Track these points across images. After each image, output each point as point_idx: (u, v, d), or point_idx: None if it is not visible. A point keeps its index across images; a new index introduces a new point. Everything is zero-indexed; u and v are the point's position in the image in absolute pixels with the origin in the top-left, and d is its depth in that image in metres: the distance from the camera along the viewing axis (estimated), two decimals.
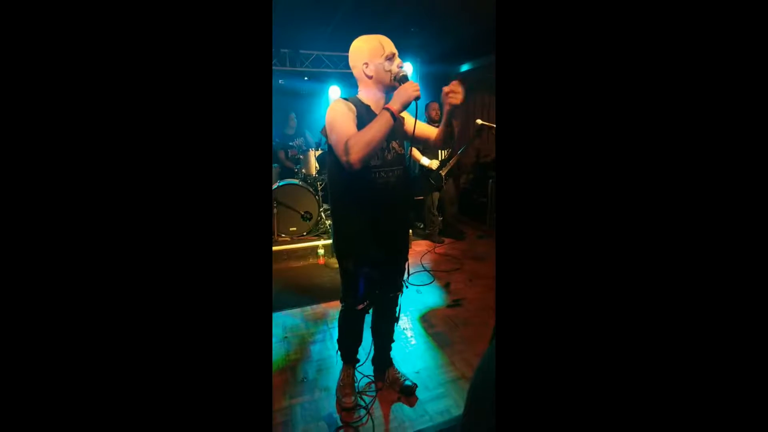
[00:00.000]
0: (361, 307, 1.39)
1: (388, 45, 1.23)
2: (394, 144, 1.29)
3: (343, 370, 1.55)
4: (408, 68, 1.27)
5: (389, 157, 1.27)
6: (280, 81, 4.40)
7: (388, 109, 1.08)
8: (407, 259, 1.47)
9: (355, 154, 1.07)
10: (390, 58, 1.21)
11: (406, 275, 1.49)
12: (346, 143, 1.09)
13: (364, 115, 1.20)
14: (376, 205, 1.27)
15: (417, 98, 1.10)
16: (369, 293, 1.39)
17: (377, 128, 1.08)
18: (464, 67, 4.75)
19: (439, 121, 3.55)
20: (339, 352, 1.54)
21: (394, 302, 1.49)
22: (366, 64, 1.21)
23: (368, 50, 1.21)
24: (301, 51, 4.18)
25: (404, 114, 1.33)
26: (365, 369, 1.64)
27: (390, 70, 1.20)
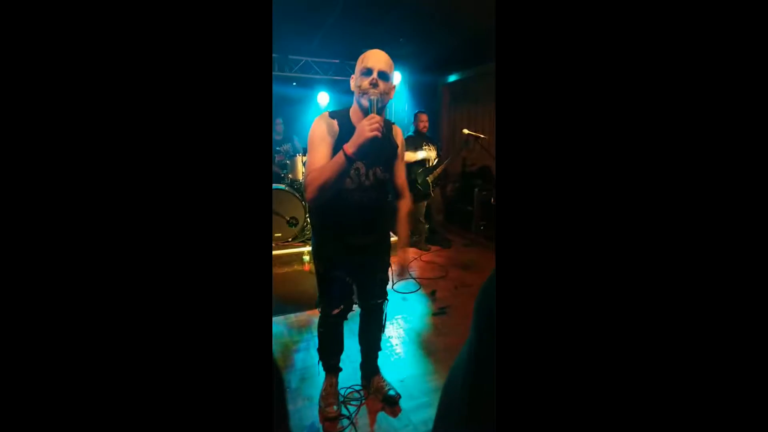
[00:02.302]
0: (335, 312, 1.38)
1: (367, 58, 1.16)
2: (378, 170, 1.25)
3: (325, 379, 1.53)
4: (378, 86, 1.12)
5: (367, 182, 1.23)
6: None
7: (344, 151, 1.04)
8: (389, 266, 1.46)
9: (309, 194, 1.11)
10: (364, 72, 1.14)
11: (390, 284, 1.48)
12: (306, 178, 1.12)
13: (345, 134, 1.14)
14: (348, 221, 1.27)
15: (373, 137, 1.01)
16: (343, 298, 1.38)
17: (330, 171, 1.07)
18: (451, 78, 4.83)
19: (426, 133, 3.59)
20: (320, 362, 1.52)
21: (379, 311, 1.48)
22: (353, 77, 1.20)
23: (357, 63, 1.20)
24: (290, 56, 4.18)
25: (397, 132, 1.31)
26: (353, 378, 1.61)
27: (359, 86, 1.14)
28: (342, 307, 1.39)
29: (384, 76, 1.14)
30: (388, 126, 1.28)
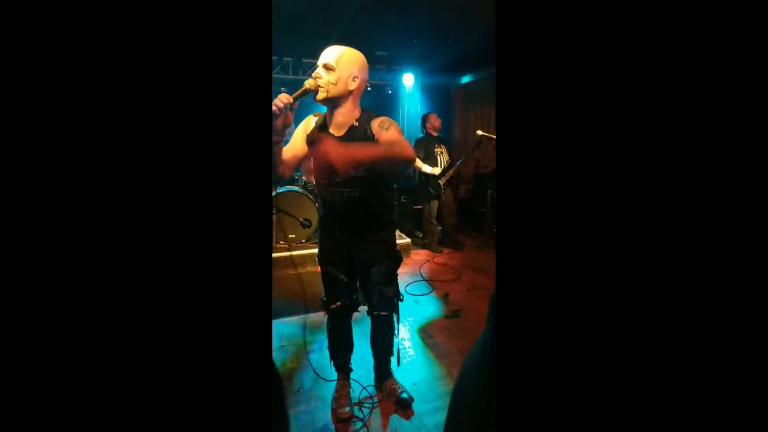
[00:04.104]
0: (333, 307, 1.40)
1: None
2: None
3: (337, 380, 1.53)
4: (322, 76, 1.14)
5: (337, 178, 1.20)
6: (282, 89, 4.42)
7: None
8: (394, 279, 1.41)
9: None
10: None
11: (401, 294, 1.45)
12: None
13: (317, 131, 1.26)
14: (333, 221, 1.33)
15: (274, 111, 1.01)
16: (339, 294, 1.40)
17: (276, 154, 1.14)
18: (465, 79, 4.80)
19: (441, 131, 3.58)
20: (331, 362, 1.53)
21: (386, 321, 1.46)
22: None
23: None
24: (304, 60, 4.22)
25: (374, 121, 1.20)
26: (366, 380, 1.61)
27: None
28: (339, 303, 1.40)
29: (327, 65, 1.16)
30: (362, 119, 1.21)
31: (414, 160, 1.13)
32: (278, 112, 1.02)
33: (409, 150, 1.09)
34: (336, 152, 0.95)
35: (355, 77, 1.17)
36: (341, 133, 1.22)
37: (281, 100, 1.02)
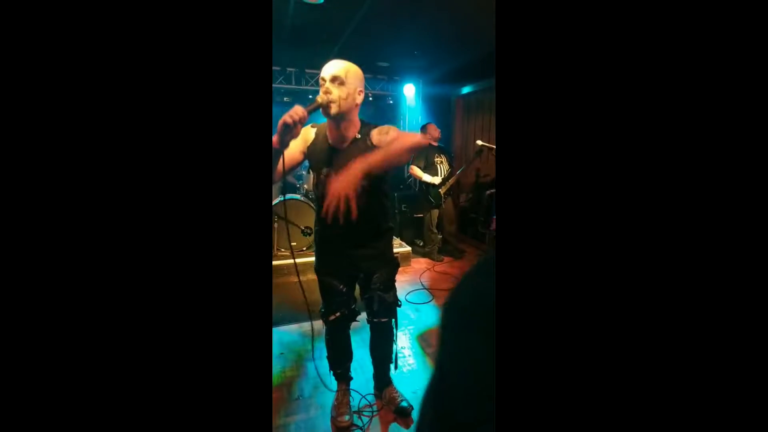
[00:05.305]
0: (332, 318, 1.40)
1: (322, 70, 1.17)
2: None
3: (337, 388, 1.53)
4: (331, 91, 1.15)
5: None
6: (285, 99, 4.49)
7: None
8: (391, 284, 1.42)
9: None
10: (320, 84, 1.18)
11: (401, 299, 1.47)
12: None
13: (318, 142, 1.28)
14: (333, 232, 1.30)
15: (285, 123, 1.01)
16: (339, 305, 1.40)
17: (276, 165, 1.15)
18: (465, 90, 4.86)
19: (440, 141, 3.61)
20: (331, 371, 1.53)
21: (385, 328, 1.47)
22: None
23: None
24: (307, 70, 4.28)
25: (376, 138, 1.23)
26: (366, 388, 1.61)
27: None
28: (338, 314, 1.40)
29: (337, 80, 1.15)
30: (363, 132, 1.24)
31: (421, 143, 1.16)
32: (292, 125, 1.02)
33: (412, 138, 1.14)
34: (342, 183, 1.01)
35: (360, 91, 1.21)
36: (344, 146, 1.24)
37: (296, 112, 1.02)
